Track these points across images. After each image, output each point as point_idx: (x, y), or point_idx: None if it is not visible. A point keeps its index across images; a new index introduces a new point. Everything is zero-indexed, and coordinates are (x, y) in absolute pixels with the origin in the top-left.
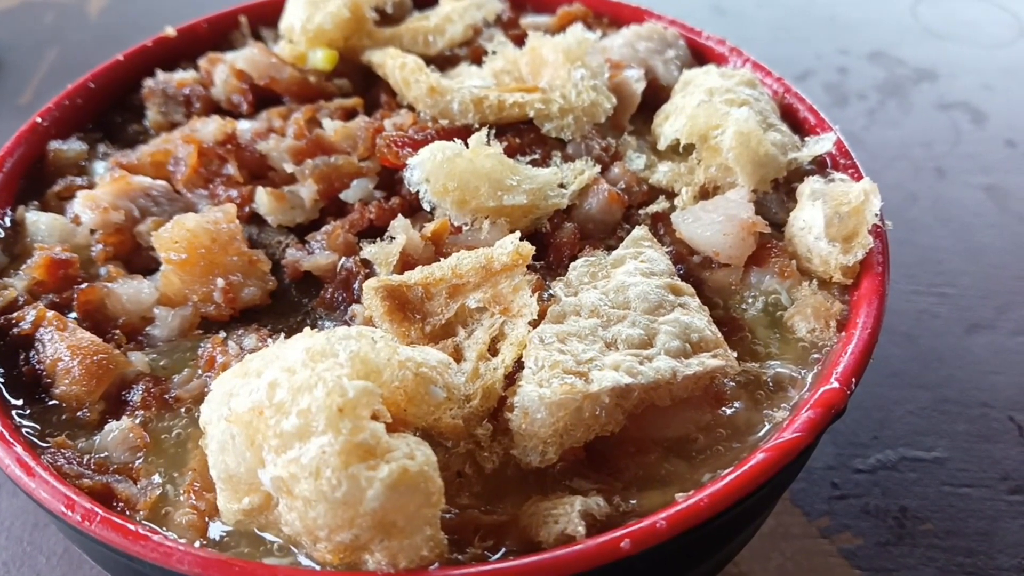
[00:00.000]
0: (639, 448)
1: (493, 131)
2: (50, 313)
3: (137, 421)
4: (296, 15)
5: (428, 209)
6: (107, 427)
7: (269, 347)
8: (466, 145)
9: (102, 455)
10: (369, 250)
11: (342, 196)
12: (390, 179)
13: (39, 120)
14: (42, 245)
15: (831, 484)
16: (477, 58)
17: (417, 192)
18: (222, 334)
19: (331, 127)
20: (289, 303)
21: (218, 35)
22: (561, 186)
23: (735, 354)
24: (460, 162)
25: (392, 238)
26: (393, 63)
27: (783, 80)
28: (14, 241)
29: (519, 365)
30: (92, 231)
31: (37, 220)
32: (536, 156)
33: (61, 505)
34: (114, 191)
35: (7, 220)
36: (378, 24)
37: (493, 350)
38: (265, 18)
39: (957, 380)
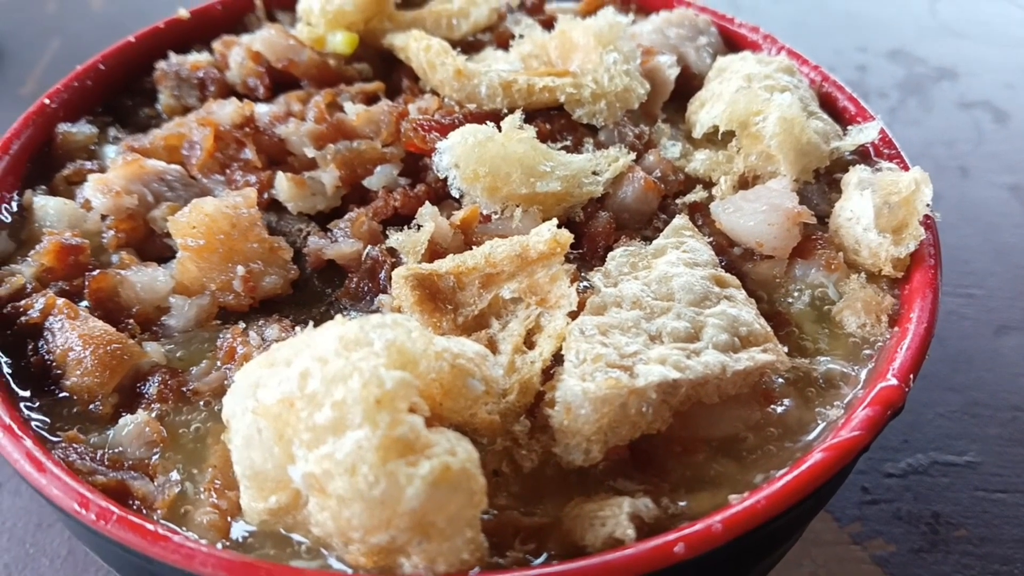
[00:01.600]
0: (686, 448)
1: (523, 116)
2: (60, 301)
3: (153, 415)
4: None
5: (457, 196)
6: (121, 421)
7: (298, 335)
8: (498, 129)
9: (116, 450)
10: (396, 238)
11: (365, 183)
12: (415, 165)
13: (47, 102)
14: (51, 230)
15: (862, 489)
16: (502, 43)
17: (445, 179)
18: (241, 324)
19: (353, 111)
20: (311, 293)
21: (233, 18)
22: (595, 173)
23: (785, 349)
24: (492, 146)
25: (419, 226)
26: (417, 45)
27: (820, 68)
28: (21, 227)
29: (556, 359)
30: (103, 216)
31: (45, 204)
32: (567, 143)
33: (74, 503)
34: (127, 175)
35: (14, 205)
36: (399, 7)
37: (529, 343)
38: (281, 0)
39: (987, 383)
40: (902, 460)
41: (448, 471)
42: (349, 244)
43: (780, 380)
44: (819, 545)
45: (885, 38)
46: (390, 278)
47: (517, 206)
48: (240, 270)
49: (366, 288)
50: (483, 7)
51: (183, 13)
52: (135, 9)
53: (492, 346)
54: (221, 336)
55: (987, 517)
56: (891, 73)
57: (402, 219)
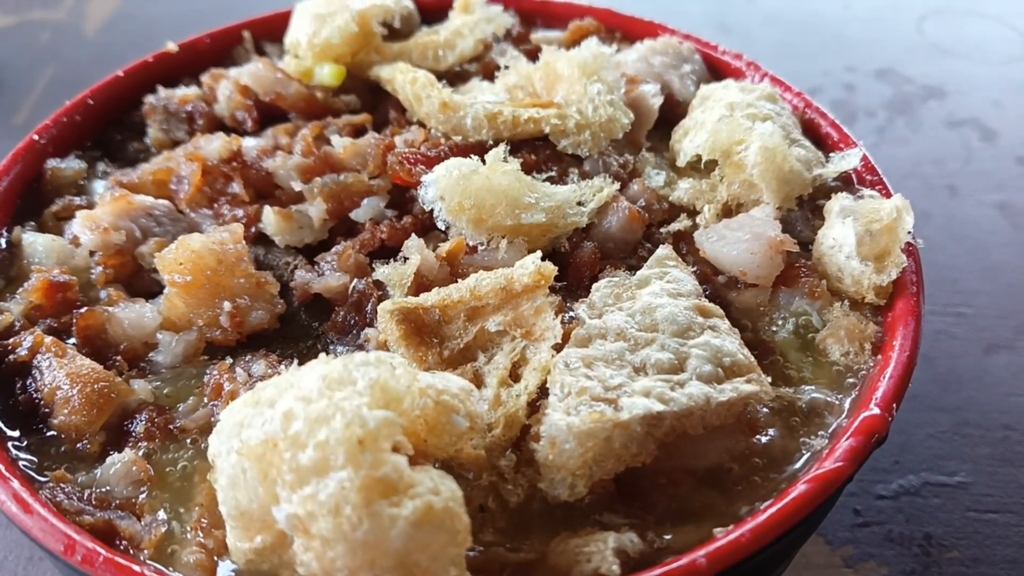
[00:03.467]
0: (670, 479)
1: (508, 148)
2: (48, 339)
3: (140, 453)
4: (302, 29)
5: (443, 228)
6: (108, 460)
7: (282, 374)
8: (482, 161)
9: (103, 489)
10: (382, 271)
11: (352, 215)
12: (401, 198)
13: (36, 138)
14: (39, 267)
15: (853, 511)
16: (488, 74)
17: (431, 211)
18: (228, 360)
19: (340, 144)
20: (299, 327)
21: (221, 51)
22: (580, 204)
23: (769, 379)
24: (476, 179)
25: (406, 258)
26: (403, 78)
27: (803, 95)
28: (10, 263)
29: (542, 392)
30: (92, 253)
31: (34, 241)
32: (552, 173)
33: (61, 545)
34: (114, 211)
35: (2, 242)
36: (386, 39)
37: (514, 375)
38: (269, 33)
39: (977, 402)
40: (893, 481)
41: (431, 511)
42: (336, 278)
43: (764, 410)
44: (811, 568)
45: (872, 57)
46: (376, 311)
47: (503, 237)
48: (227, 306)
49: (352, 321)
50: (469, 39)
51: (171, 47)
52: (129, 37)
53: (478, 379)
54: (208, 372)
55: (979, 538)
56: (879, 92)
57: (389, 251)
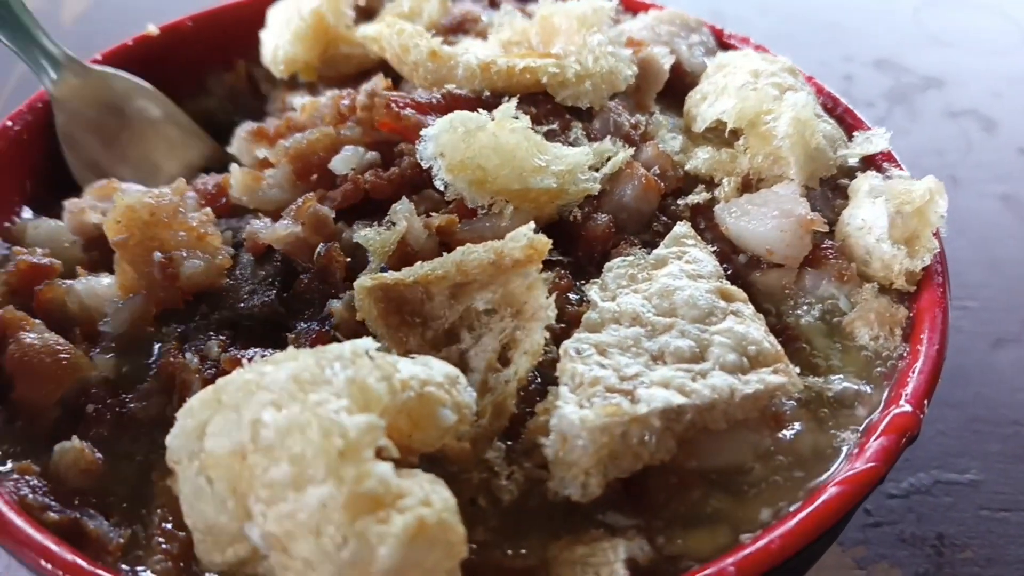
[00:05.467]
0: (682, 480)
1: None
2: (19, 313)
3: (87, 442)
4: (268, 47)
5: (440, 187)
6: (57, 447)
7: (245, 368)
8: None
9: (57, 481)
10: (363, 235)
11: (331, 166)
12: (389, 152)
13: (10, 123)
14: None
15: (864, 511)
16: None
17: (428, 168)
18: (178, 330)
19: (299, 105)
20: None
21: (203, 35)
22: (593, 169)
23: (797, 369)
24: (482, 136)
25: (392, 224)
26: (390, 31)
27: (814, 80)
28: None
29: (542, 381)
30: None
31: (39, 225)
32: (554, 127)
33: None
34: (97, 195)
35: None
36: (357, 22)
37: (504, 359)
38: (249, 18)
39: (985, 398)
40: (904, 480)
41: (424, 525)
42: (285, 226)
43: (791, 402)
44: (822, 570)
45: (870, 48)
46: (345, 279)
47: (507, 202)
48: (157, 255)
49: (317, 288)
50: (432, 0)
51: (152, 30)
52: (106, 27)
53: (463, 362)
54: (156, 349)
55: (992, 537)
56: (877, 83)
57: (374, 208)
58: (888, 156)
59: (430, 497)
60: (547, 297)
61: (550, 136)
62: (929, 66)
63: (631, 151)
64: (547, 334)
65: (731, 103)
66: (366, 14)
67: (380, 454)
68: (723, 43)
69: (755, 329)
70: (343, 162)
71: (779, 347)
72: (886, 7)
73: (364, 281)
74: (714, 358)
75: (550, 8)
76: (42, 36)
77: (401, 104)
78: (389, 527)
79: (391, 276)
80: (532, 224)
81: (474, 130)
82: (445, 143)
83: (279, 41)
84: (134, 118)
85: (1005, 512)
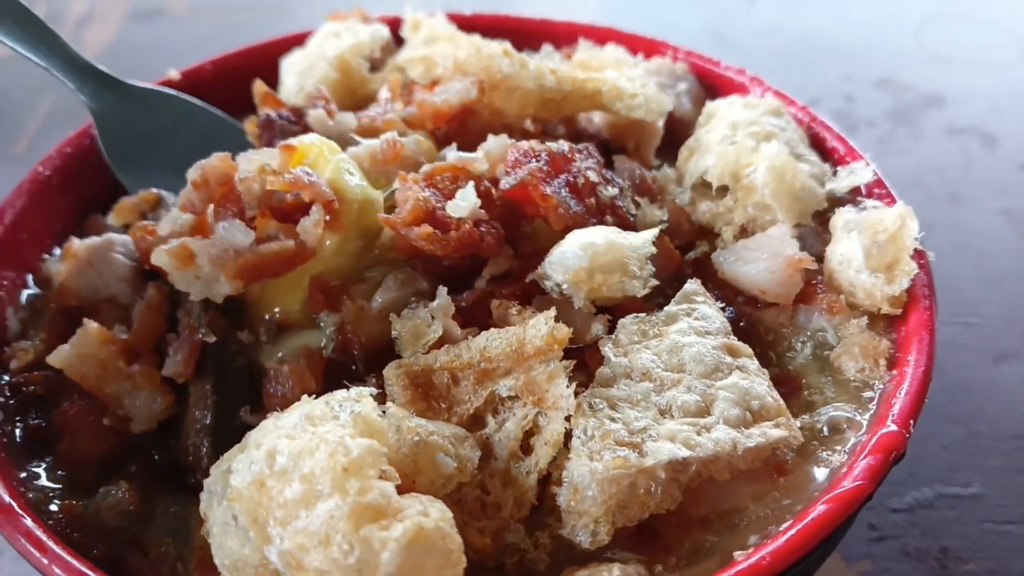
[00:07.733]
0: (683, 521)
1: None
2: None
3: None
4: (289, 90)
5: (551, 293)
6: (102, 490)
7: (267, 419)
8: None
9: (99, 520)
10: (399, 326)
11: (449, 210)
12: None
13: (40, 169)
14: None
15: (869, 526)
16: None
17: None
18: None
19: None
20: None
21: (223, 78)
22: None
23: (798, 423)
24: (616, 251)
25: (432, 318)
26: (449, 46)
27: (807, 108)
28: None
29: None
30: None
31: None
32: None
33: None
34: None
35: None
36: (372, 71)
37: (525, 446)
38: (267, 60)
39: (987, 413)
40: (907, 495)
41: (422, 531)
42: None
43: (792, 453)
44: None
45: (872, 66)
46: (364, 360)
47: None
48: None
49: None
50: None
51: (173, 74)
52: (130, 66)
53: (488, 448)
54: None
55: (995, 550)
56: (879, 102)
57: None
58: (878, 183)
59: (428, 509)
60: (567, 387)
61: (569, 186)
62: (930, 84)
63: (666, 216)
64: (566, 424)
65: (712, 160)
66: (382, 65)
67: (383, 478)
68: (718, 76)
69: (759, 384)
70: (463, 206)
71: (781, 401)
72: (887, 26)
73: (393, 366)
74: (719, 412)
75: (587, 52)
76: (76, 55)
77: (541, 176)
78: (390, 533)
79: (420, 362)
80: (553, 312)
81: (605, 250)
82: (576, 270)
83: (304, 83)
84: (176, 124)
85: (1008, 525)
